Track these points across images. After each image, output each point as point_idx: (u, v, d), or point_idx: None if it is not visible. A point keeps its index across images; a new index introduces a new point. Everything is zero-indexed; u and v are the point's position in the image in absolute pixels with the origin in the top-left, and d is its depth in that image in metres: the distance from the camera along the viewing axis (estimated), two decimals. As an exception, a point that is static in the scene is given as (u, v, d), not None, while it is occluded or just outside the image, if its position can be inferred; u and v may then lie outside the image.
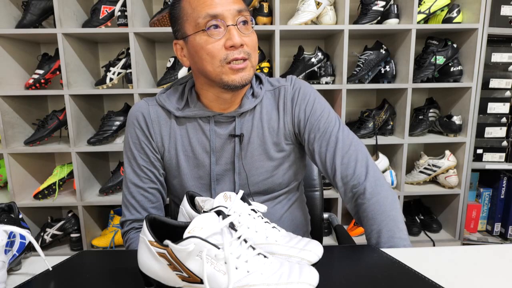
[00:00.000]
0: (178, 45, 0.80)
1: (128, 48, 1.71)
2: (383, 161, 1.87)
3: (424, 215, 2.01)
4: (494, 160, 1.88)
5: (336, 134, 0.82)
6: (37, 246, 0.58)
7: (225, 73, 0.74)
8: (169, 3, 1.69)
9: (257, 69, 1.78)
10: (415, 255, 0.63)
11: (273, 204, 0.88)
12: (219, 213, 0.51)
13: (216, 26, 0.72)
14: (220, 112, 0.82)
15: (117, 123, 1.78)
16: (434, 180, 1.95)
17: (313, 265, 0.58)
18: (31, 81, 1.73)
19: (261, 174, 0.84)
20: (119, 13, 1.69)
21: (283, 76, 1.78)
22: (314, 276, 0.50)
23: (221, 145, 0.83)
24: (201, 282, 0.47)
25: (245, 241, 0.51)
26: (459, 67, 1.79)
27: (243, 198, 0.63)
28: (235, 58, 0.72)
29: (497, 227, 1.97)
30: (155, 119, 0.83)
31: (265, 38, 1.91)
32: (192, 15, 0.73)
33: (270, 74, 1.80)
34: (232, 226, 0.52)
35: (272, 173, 0.85)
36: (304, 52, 1.80)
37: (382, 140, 1.82)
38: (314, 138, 0.83)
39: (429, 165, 1.88)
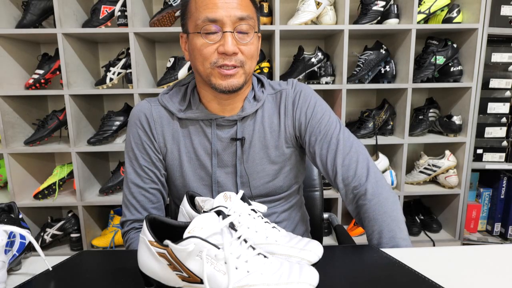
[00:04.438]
0: (183, 38, 0.82)
1: (128, 48, 1.71)
2: (383, 161, 1.87)
3: (424, 215, 2.01)
4: (494, 160, 1.88)
5: (337, 136, 0.82)
6: (37, 246, 0.58)
7: (214, 75, 0.75)
8: (169, 3, 1.69)
9: (257, 70, 1.78)
10: (415, 255, 0.63)
11: (272, 206, 0.88)
12: (219, 213, 0.51)
13: (213, 31, 0.72)
14: (222, 115, 0.82)
15: (117, 123, 1.78)
16: (434, 180, 1.95)
17: (313, 265, 0.58)
18: (31, 81, 1.73)
19: (262, 177, 0.85)
20: (119, 13, 1.69)
21: (283, 76, 1.80)
22: (314, 276, 0.50)
23: (222, 148, 0.83)
24: (201, 282, 0.47)
25: (245, 241, 0.51)
26: (459, 67, 1.79)
27: (243, 198, 0.63)
28: (225, 64, 0.73)
29: (497, 227, 1.97)
30: (157, 119, 0.83)
31: (265, 38, 1.91)
32: (194, 14, 0.74)
33: (270, 74, 1.80)
34: (232, 226, 0.52)
35: (273, 176, 0.85)
36: (304, 52, 1.80)
37: (382, 140, 1.82)
38: (315, 140, 0.83)
39: (429, 165, 1.88)
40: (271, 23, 1.74)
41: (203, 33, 0.73)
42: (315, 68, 1.81)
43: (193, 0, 0.75)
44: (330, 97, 1.91)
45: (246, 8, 0.74)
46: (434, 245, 1.85)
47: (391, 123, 1.89)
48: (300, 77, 1.81)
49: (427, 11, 1.74)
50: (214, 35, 0.73)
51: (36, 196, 1.75)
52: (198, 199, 0.64)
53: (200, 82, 0.81)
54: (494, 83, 1.83)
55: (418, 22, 1.72)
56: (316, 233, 1.13)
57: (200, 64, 0.75)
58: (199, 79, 0.80)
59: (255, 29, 0.76)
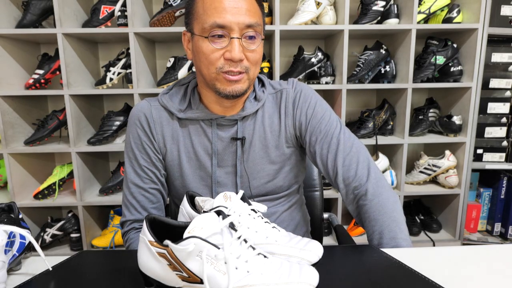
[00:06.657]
0: (186, 36, 0.81)
1: (128, 48, 1.71)
2: (383, 161, 1.87)
3: (424, 215, 2.01)
4: (494, 160, 1.88)
5: (338, 136, 0.82)
6: (37, 246, 0.58)
7: (219, 80, 0.74)
8: (169, 3, 1.69)
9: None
10: (415, 255, 0.63)
11: (273, 205, 0.88)
12: (219, 213, 0.50)
13: (220, 36, 0.72)
14: (222, 115, 0.82)
15: (117, 123, 1.78)
16: (434, 180, 1.95)
17: (313, 265, 0.58)
18: (31, 81, 1.73)
19: (262, 177, 0.85)
20: (119, 13, 1.69)
21: (283, 76, 1.80)
22: (314, 276, 0.50)
23: (223, 148, 0.83)
24: (201, 282, 0.47)
25: (245, 241, 0.51)
26: (459, 67, 1.79)
27: (243, 198, 0.63)
28: (230, 70, 0.73)
29: (497, 227, 1.97)
30: (157, 119, 0.83)
31: (265, 38, 1.91)
32: (202, 17, 0.72)
33: (270, 74, 1.80)
34: (232, 226, 0.52)
35: (273, 176, 0.85)
36: (304, 52, 1.80)
37: (382, 140, 1.82)
38: (315, 140, 0.83)
39: (429, 165, 1.88)
40: (271, 23, 1.74)
41: (210, 37, 0.72)
42: (315, 68, 1.81)
43: (199, 2, 0.73)
44: (330, 97, 1.91)
45: (255, 15, 0.73)
46: (434, 245, 1.85)
47: (391, 123, 1.89)
48: (300, 77, 1.81)
49: (427, 11, 1.74)
50: (221, 41, 0.72)
51: (36, 196, 1.75)
52: (198, 199, 0.64)
53: (202, 83, 0.81)
54: (494, 83, 1.83)
55: (418, 22, 1.72)
56: (316, 233, 1.13)
57: (205, 67, 0.75)
58: (201, 80, 0.80)
59: (262, 36, 0.76)
